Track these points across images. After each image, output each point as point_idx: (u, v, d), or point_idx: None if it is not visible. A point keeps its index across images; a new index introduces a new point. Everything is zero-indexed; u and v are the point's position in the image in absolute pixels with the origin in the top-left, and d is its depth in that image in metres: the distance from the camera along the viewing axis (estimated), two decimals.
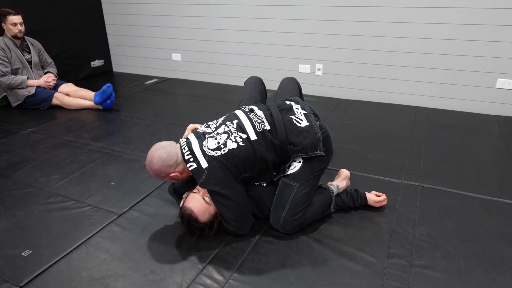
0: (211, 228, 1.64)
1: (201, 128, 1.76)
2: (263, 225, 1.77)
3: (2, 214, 1.89)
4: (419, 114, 3.17)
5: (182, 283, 1.45)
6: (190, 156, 1.60)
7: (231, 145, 1.61)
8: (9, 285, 1.45)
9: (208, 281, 1.46)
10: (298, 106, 1.80)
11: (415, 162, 2.35)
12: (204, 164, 1.57)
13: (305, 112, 1.76)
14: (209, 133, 1.69)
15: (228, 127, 1.69)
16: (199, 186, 1.61)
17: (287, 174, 1.70)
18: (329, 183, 1.90)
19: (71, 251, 1.63)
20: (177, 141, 1.73)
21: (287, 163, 1.74)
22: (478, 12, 2.96)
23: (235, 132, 1.66)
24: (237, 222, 1.65)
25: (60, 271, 1.52)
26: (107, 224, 1.80)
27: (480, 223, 1.78)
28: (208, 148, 1.61)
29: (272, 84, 3.24)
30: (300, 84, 2.28)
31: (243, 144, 1.62)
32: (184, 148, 1.64)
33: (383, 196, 1.89)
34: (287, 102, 1.83)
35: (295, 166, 1.70)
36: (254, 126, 1.67)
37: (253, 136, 1.64)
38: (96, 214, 1.88)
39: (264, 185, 1.77)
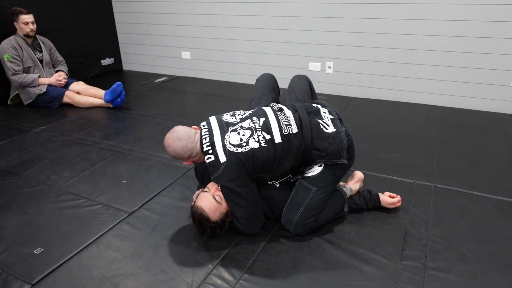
0: (222, 227, 1.63)
1: (226, 117, 1.71)
2: (274, 225, 1.75)
3: (15, 211, 1.91)
4: (431, 112, 3.11)
5: (192, 283, 1.44)
6: (209, 147, 1.57)
7: (253, 144, 1.57)
8: (21, 283, 1.45)
9: (219, 281, 1.45)
10: (326, 110, 1.75)
11: (428, 162, 2.31)
12: (222, 158, 1.54)
13: (332, 117, 1.71)
14: (233, 124, 1.65)
15: (253, 123, 1.64)
16: (213, 180, 1.59)
17: (306, 177, 1.68)
18: (341, 184, 1.87)
19: (82, 249, 1.63)
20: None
21: (307, 167, 1.71)
22: (493, 8, 2.89)
23: (259, 131, 1.61)
24: (249, 221, 1.63)
25: (71, 269, 1.53)
26: (118, 223, 1.80)
27: (496, 225, 1.74)
28: (229, 143, 1.57)
29: (282, 82, 3.20)
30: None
31: (265, 146, 1.58)
32: (205, 138, 1.60)
33: (397, 198, 1.86)
34: (314, 105, 1.77)
35: (315, 170, 1.67)
36: (280, 128, 1.62)
37: (277, 139, 1.60)
38: (107, 212, 1.89)
39: (277, 185, 1.75)
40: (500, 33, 2.93)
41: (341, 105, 3.32)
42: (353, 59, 3.52)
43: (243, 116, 1.69)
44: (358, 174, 1.93)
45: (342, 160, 1.64)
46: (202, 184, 1.88)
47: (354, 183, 1.89)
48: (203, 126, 1.67)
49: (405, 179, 2.13)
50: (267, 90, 2.09)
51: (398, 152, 2.44)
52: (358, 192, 1.88)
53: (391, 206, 1.85)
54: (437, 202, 1.92)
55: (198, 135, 1.64)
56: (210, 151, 1.57)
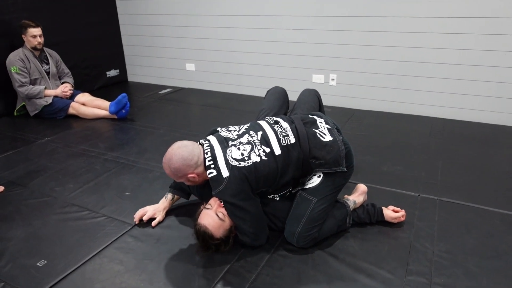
0: (227, 244, 1.62)
1: (223, 132, 1.73)
2: (277, 239, 1.74)
3: (19, 223, 1.91)
4: (435, 124, 3.11)
5: None
6: (211, 162, 1.57)
7: (255, 158, 1.58)
8: None
9: None
10: (322, 120, 1.77)
11: (432, 175, 2.30)
12: (225, 173, 1.53)
13: (328, 127, 1.73)
14: (231, 139, 1.65)
15: (252, 137, 1.65)
16: (215, 195, 1.57)
17: (306, 188, 1.68)
18: (345, 197, 1.87)
19: (85, 262, 1.63)
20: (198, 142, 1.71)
21: (307, 177, 1.71)
22: (497, 22, 2.91)
23: (259, 145, 1.62)
24: (254, 234, 1.63)
25: (74, 282, 1.52)
26: (121, 235, 1.80)
27: (503, 240, 1.72)
28: (232, 158, 1.56)
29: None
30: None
31: (266, 159, 1.58)
32: (207, 153, 1.59)
33: (402, 212, 1.84)
34: (310, 116, 1.80)
35: (315, 181, 1.67)
36: (279, 140, 1.64)
37: (277, 151, 1.61)
38: (110, 224, 1.89)
39: (277, 198, 1.75)
40: (504, 46, 2.94)
41: (344, 117, 3.32)
42: (356, 72, 3.54)
43: (240, 132, 1.70)
44: (362, 187, 1.93)
45: (341, 168, 1.65)
46: (201, 199, 1.86)
47: (357, 196, 1.88)
48: (204, 141, 1.67)
49: (409, 192, 2.12)
50: (278, 104, 2.10)
51: (402, 165, 2.43)
52: (362, 205, 1.87)
53: (395, 221, 1.83)
54: (442, 216, 1.90)
55: (200, 148, 1.64)
56: (212, 166, 1.56)
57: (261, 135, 1.66)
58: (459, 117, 3.25)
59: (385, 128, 3.06)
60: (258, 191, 1.62)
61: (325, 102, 3.65)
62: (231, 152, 1.59)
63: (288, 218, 1.69)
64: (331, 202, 1.69)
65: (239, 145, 1.62)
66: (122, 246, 1.73)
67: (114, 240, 1.77)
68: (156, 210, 1.89)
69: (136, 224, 1.86)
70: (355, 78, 3.56)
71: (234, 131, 1.72)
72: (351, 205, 1.81)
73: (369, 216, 1.82)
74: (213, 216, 1.58)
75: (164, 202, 1.92)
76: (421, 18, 3.13)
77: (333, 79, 3.66)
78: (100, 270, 1.58)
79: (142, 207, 2.01)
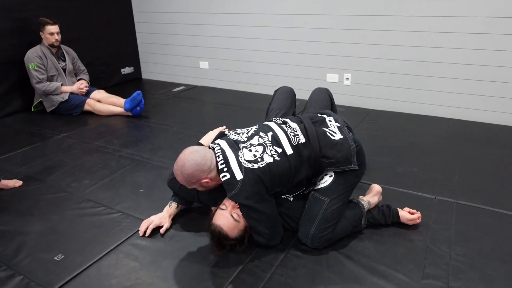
0: (242, 244, 1.62)
1: (232, 135, 1.71)
2: (291, 239, 1.74)
3: (37, 217, 1.95)
4: (452, 126, 3.06)
5: None
6: (224, 166, 1.54)
7: (268, 158, 1.56)
8: None
9: None
10: (331, 118, 1.76)
11: (449, 177, 2.26)
12: (238, 176, 1.52)
13: (338, 125, 1.73)
14: (242, 142, 1.64)
15: (262, 138, 1.64)
16: (230, 198, 1.57)
17: (318, 188, 1.67)
18: (360, 197, 1.85)
19: (101, 257, 1.65)
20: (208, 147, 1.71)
21: (318, 176, 1.71)
22: None
23: (270, 145, 1.61)
24: (269, 235, 1.62)
25: (91, 277, 1.55)
26: (136, 232, 1.81)
27: None
28: (244, 160, 1.55)
29: (299, 93, 3.20)
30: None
31: (279, 159, 1.57)
32: (219, 156, 1.57)
33: (417, 214, 1.82)
34: (319, 115, 1.79)
35: (326, 180, 1.66)
36: (289, 139, 1.63)
37: (289, 150, 1.60)
38: (126, 220, 1.91)
39: (291, 199, 1.74)
40: None
41: (358, 117, 3.29)
42: (371, 71, 3.50)
43: (249, 134, 1.68)
44: (376, 187, 1.91)
45: (352, 166, 1.64)
46: (213, 204, 1.79)
47: (372, 196, 1.86)
48: (214, 145, 1.65)
49: (425, 194, 2.09)
50: (287, 103, 2.10)
51: (418, 167, 2.40)
52: (377, 206, 1.85)
53: (411, 223, 1.81)
54: (459, 219, 1.87)
55: (211, 152, 1.61)
56: (225, 169, 1.54)
57: (271, 135, 1.65)
58: (477, 118, 3.19)
59: (400, 129, 3.02)
60: (273, 192, 1.62)
61: (339, 101, 3.65)
62: (243, 155, 1.57)
63: (301, 219, 1.68)
64: (344, 202, 1.68)
65: (250, 147, 1.61)
66: (137, 242, 1.75)
67: (129, 237, 1.78)
68: (161, 218, 1.84)
69: (141, 235, 1.79)
70: (370, 77, 3.53)
71: (243, 133, 1.70)
72: (366, 206, 1.79)
73: (385, 217, 1.80)
74: (228, 217, 1.57)
75: (169, 210, 1.87)
76: (438, 17, 3.08)
77: (347, 79, 3.63)
78: (116, 265, 1.60)
79: (157, 204, 2.03)
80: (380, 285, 1.47)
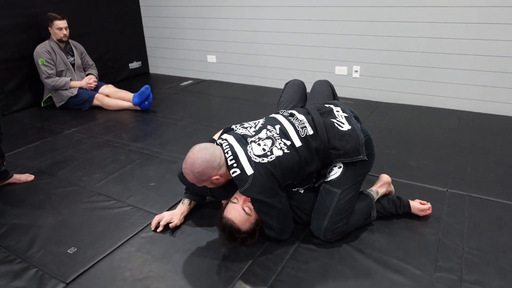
0: (253, 237, 1.62)
1: (239, 129, 1.69)
2: (302, 232, 1.73)
3: (49, 211, 1.97)
4: (463, 118, 3.02)
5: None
6: (233, 161, 1.53)
7: (277, 152, 1.55)
8: (57, 282, 1.49)
9: (248, 287, 1.44)
10: (339, 108, 1.75)
11: (461, 170, 2.23)
12: (249, 171, 1.50)
13: (346, 115, 1.71)
14: (250, 136, 1.62)
15: (270, 132, 1.63)
16: (241, 193, 1.56)
17: (328, 181, 1.66)
18: (369, 189, 1.84)
19: (113, 250, 1.66)
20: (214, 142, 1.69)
21: (328, 168, 1.70)
22: None
23: (278, 138, 1.60)
24: (280, 229, 1.62)
25: (104, 270, 1.56)
26: (147, 225, 1.82)
27: None
28: (254, 154, 1.53)
29: (307, 86, 3.19)
30: (336, 87, 2.22)
31: (288, 152, 1.56)
32: (227, 152, 1.55)
33: (428, 205, 1.81)
34: (327, 105, 1.78)
35: (336, 172, 1.65)
36: (297, 131, 1.62)
37: (297, 143, 1.59)
38: (136, 214, 1.92)
39: (302, 191, 1.73)
40: None
41: (368, 110, 3.26)
42: (380, 63, 3.46)
43: (257, 128, 1.66)
44: (385, 177, 1.90)
45: (361, 156, 1.62)
46: (224, 199, 1.81)
47: (380, 186, 1.86)
48: (222, 140, 1.62)
49: (437, 187, 2.06)
50: (297, 96, 2.08)
51: (429, 159, 2.37)
52: (387, 197, 1.84)
53: (421, 213, 1.80)
54: (472, 212, 1.85)
55: (220, 148, 1.58)
56: (235, 165, 1.52)
57: (279, 128, 1.64)
58: (489, 110, 3.14)
59: (411, 122, 2.99)
60: (284, 185, 1.61)
61: (348, 94, 3.62)
62: (252, 149, 1.55)
63: (314, 212, 1.68)
64: (355, 192, 1.67)
65: (258, 141, 1.59)
66: (148, 236, 1.76)
67: (140, 230, 1.79)
68: (173, 215, 1.82)
69: (153, 230, 1.79)
70: (379, 70, 3.48)
71: (250, 127, 1.68)
72: (375, 196, 1.79)
73: (395, 207, 1.79)
74: (239, 211, 1.57)
75: (181, 207, 1.86)
76: (448, 7, 3.03)
77: (356, 71, 3.59)
78: (128, 258, 1.61)
79: (167, 197, 2.04)
80: (392, 279, 1.46)
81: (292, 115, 1.73)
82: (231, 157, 1.54)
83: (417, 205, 1.80)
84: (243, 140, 1.60)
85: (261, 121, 1.72)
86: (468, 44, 3.06)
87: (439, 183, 2.09)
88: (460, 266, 1.51)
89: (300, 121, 1.67)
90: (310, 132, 1.63)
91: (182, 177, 1.84)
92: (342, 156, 1.63)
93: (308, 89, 2.21)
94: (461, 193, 2.00)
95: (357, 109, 3.18)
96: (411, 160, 2.36)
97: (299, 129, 1.63)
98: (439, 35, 3.14)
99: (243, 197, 1.59)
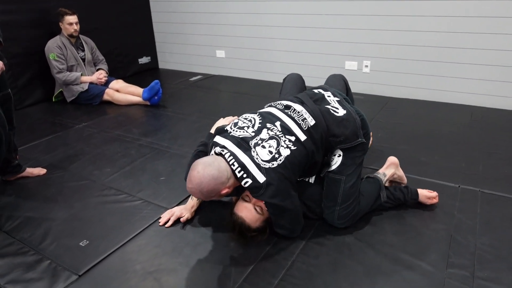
0: (263, 234, 1.61)
1: (235, 131, 1.58)
2: (312, 227, 1.73)
3: (61, 204, 1.99)
4: (475, 114, 2.97)
5: (231, 282, 1.45)
6: (242, 172, 1.45)
7: (285, 151, 1.51)
8: (69, 274, 1.52)
9: (258, 281, 1.44)
10: (329, 93, 1.75)
11: (473, 166, 2.21)
12: (261, 178, 1.44)
13: (338, 99, 1.73)
14: (250, 138, 1.54)
15: (271, 130, 1.56)
16: (254, 197, 1.51)
17: (332, 170, 1.67)
18: (375, 173, 1.87)
19: (124, 243, 1.68)
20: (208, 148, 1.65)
21: (328, 156, 1.71)
22: None
23: (282, 136, 1.55)
24: (291, 229, 1.62)
25: (115, 262, 1.58)
26: (158, 219, 1.84)
27: None
28: (262, 160, 1.47)
29: (317, 81, 3.17)
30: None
31: (295, 148, 1.54)
32: (233, 164, 1.46)
33: (435, 193, 1.83)
34: (316, 91, 1.78)
35: (337, 161, 1.67)
36: (299, 125, 1.60)
37: (302, 137, 1.57)
38: (147, 208, 1.93)
39: (311, 181, 1.74)
40: None
41: (378, 105, 3.23)
42: (391, 58, 3.42)
43: (256, 128, 1.58)
44: (392, 159, 1.93)
45: (360, 139, 1.65)
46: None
47: (387, 168, 1.90)
48: (222, 150, 1.51)
49: (449, 183, 2.04)
50: (296, 91, 2.08)
51: (441, 155, 2.34)
52: (395, 185, 1.87)
53: (429, 202, 1.82)
54: (484, 208, 1.83)
55: (223, 160, 1.49)
56: (245, 175, 1.45)
57: (280, 125, 1.59)
58: (502, 106, 3.09)
59: (422, 117, 2.95)
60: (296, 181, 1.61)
61: (358, 89, 3.59)
62: (257, 154, 1.48)
63: (324, 203, 1.69)
64: (359, 175, 1.70)
65: (262, 142, 1.52)
66: (159, 229, 1.77)
67: (151, 224, 1.81)
68: (183, 209, 1.82)
69: (162, 225, 1.79)
70: (389, 64, 3.45)
71: (247, 127, 1.59)
72: (383, 178, 1.82)
73: (403, 194, 1.81)
74: (251, 210, 1.55)
75: (191, 201, 1.85)
76: (459, 0, 2.97)
77: (366, 66, 3.56)
78: (140, 251, 1.63)
79: (177, 192, 2.05)
80: (403, 274, 1.45)
81: (288, 107, 1.68)
82: (239, 168, 1.46)
83: (425, 193, 1.83)
84: (244, 145, 1.52)
85: (257, 118, 1.64)
86: (480, 38, 3.01)
87: (451, 179, 2.07)
88: (472, 262, 1.50)
89: (299, 112, 1.65)
90: (312, 123, 1.62)
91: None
92: (343, 143, 1.64)
93: (317, 83, 2.20)
94: (473, 189, 1.98)
95: (368, 104, 3.19)
96: (422, 156, 2.34)
97: (300, 122, 1.61)
98: (451, 29, 3.09)
99: None
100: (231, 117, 1.96)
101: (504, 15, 2.87)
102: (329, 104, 1.69)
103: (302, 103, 1.69)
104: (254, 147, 1.51)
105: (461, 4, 2.99)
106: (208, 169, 1.42)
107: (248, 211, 1.55)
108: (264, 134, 1.56)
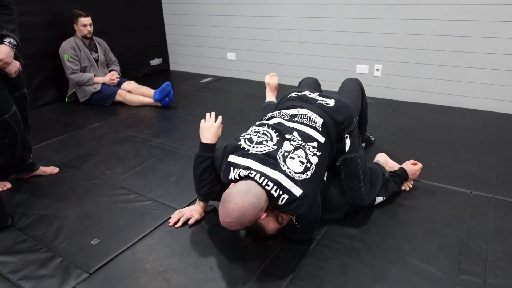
0: (276, 239, 1.60)
1: (253, 147, 1.48)
2: (321, 230, 1.73)
3: (73, 203, 2.02)
4: (488, 119, 2.94)
5: (240, 283, 1.45)
6: (279, 190, 1.37)
7: (314, 159, 1.49)
8: (81, 271, 1.54)
9: (267, 283, 1.45)
10: (307, 91, 1.85)
11: (485, 172, 2.18)
12: (297, 192, 1.38)
13: (317, 93, 1.83)
14: (274, 151, 1.46)
15: (293, 141, 1.52)
16: (286, 212, 1.44)
17: (347, 152, 1.71)
18: None
19: (135, 242, 1.70)
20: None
21: (340, 145, 1.74)
22: None
23: (305, 145, 1.52)
24: (309, 235, 1.63)
25: (126, 261, 1.59)
26: (168, 219, 1.85)
27: None
28: (294, 173, 1.41)
29: (328, 84, 3.17)
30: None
31: (320, 154, 1.53)
32: (268, 185, 1.37)
33: (419, 164, 2.01)
34: (300, 94, 1.84)
35: (347, 143, 1.72)
36: (314, 128, 1.62)
37: (321, 139, 1.59)
38: (157, 208, 1.95)
39: (325, 178, 1.72)
40: None
41: (389, 109, 3.21)
42: (403, 62, 3.40)
43: (275, 141, 1.51)
44: (378, 155, 2.13)
45: (356, 117, 1.77)
46: None
47: (377, 158, 2.08)
48: (249, 172, 1.40)
49: (461, 189, 2.02)
50: None
51: (452, 160, 2.32)
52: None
53: (417, 173, 2.00)
54: (497, 214, 1.80)
55: (255, 183, 1.38)
56: (281, 192, 1.37)
57: (298, 134, 1.56)
58: None
59: (433, 122, 2.93)
60: None
61: (369, 93, 3.55)
62: (288, 168, 1.41)
63: (346, 185, 1.71)
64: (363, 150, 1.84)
65: (288, 155, 1.46)
66: (169, 229, 1.79)
67: (161, 224, 1.82)
68: (193, 210, 1.81)
69: (171, 226, 1.79)
70: (401, 68, 3.43)
71: (267, 141, 1.51)
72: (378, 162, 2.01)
73: (400, 173, 1.96)
74: (272, 220, 1.49)
75: (201, 202, 1.83)
76: (471, 5, 2.94)
77: (378, 70, 3.54)
78: (150, 251, 1.64)
79: (187, 192, 2.06)
80: (414, 280, 1.44)
81: (294, 116, 1.66)
82: (275, 187, 1.37)
83: (410, 166, 2.00)
84: (270, 160, 1.43)
85: (271, 131, 1.57)
86: (493, 43, 2.97)
87: (463, 185, 2.05)
88: (484, 269, 1.48)
89: (305, 115, 1.66)
90: (320, 121, 1.65)
91: (208, 196, 1.78)
92: (348, 127, 1.71)
93: (328, 87, 2.20)
94: (485, 195, 1.96)
95: (379, 108, 3.17)
96: (433, 161, 2.32)
97: (314, 124, 1.63)
98: (463, 33, 3.06)
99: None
100: (213, 121, 1.82)
101: None
102: (316, 100, 1.76)
103: (301, 106, 1.73)
104: (284, 161, 1.43)
105: (474, 8, 2.96)
106: (247, 198, 1.31)
107: (269, 220, 1.48)
108: (287, 146, 1.49)
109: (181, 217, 1.81)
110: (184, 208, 1.87)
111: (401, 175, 1.97)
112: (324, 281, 1.45)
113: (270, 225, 1.50)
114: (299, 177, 1.41)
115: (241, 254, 1.61)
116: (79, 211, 1.95)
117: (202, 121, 1.81)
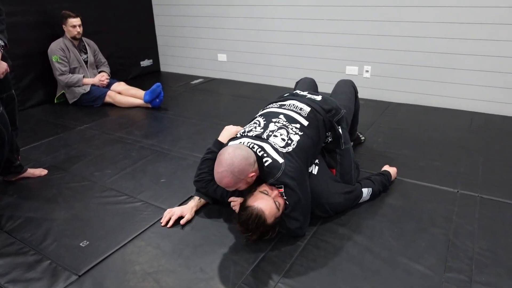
0: (273, 232, 1.61)
1: (247, 134, 1.71)
2: (311, 230, 1.74)
3: (62, 205, 2.00)
4: (475, 119, 2.99)
5: (230, 283, 1.45)
6: (263, 152, 1.57)
7: (295, 137, 1.65)
8: (69, 274, 1.52)
9: (257, 283, 1.45)
10: (300, 91, 1.99)
11: (472, 171, 2.21)
12: (280, 159, 1.55)
13: (306, 92, 1.96)
14: (262, 133, 1.68)
15: (278, 122, 1.72)
16: (273, 183, 1.55)
17: (344, 141, 1.86)
18: None
19: (124, 244, 1.69)
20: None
21: (331, 133, 1.86)
22: None
23: (289, 125, 1.70)
24: (302, 222, 1.63)
25: (115, 263, 1.59)
26: (158, 220, 1.85)
27: None
28: (279, 146, 1.60)
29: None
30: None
31: (302, 133, 1.68)
32: (253, 147, 1.59)
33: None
34: (292, 92, 2.00)
35: (340, 130, 1.85)
36: (298, 113, 1.75)
37: (304, 122, 1.72)
38: (147, 209, 1.94)
39: (315, 172, 1.77)
40: None
41: (379, 110, 3.25)
42: (392, 63, 3.44)
43: (262, 125, 1.73)
44: None
45: (343, 110, 1.88)
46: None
47: None
48: (240, 142, 1.65)
49: (448, 188, 2.05)
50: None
51: (440, 160, 2.35)
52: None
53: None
54: (483, 213, 1.83)
55: (244, 145, 1.62)
56: (265, 155, 1.57)
57: (284, 115, 1.75)
58: (502, 112, 3.10)
59: (422, 122, 2.97)
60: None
61: (359, 94, 3.57)
62: (274, 142, 1.62)
63: (341, 174, 1.85)
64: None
65: (273, 133, 1.66)
66: (158, 230, 1.78)
67: (151, 225, 1.82)
68: (183, 209, 1.84)
69: (163, 226, 1.80)
70: (390, 70, 3.47)
71: (255, 127, 1.73)
72: None
73: (382, 176, 2.02)
74: (270, 203, 1.53)
75: (192, 203, 1.88)
76: (459, 7, 3.00)
77: (367, 71, 3.58)
78: (139, 253, 1.64)
79: (177, 194, 2.06)
80: (402, 278, 1.46)
81: (282, 105, 1.85)
82: (259, 149, 1.59)
83: (393, 168, 2.13)
84: (259, 139, 1.65)
85: (260, 119, 1.79)
86: (481, 45, 3.03)
87: (450, 184, 2.08)
88: (470, 266, 1.50)
89: (294, 105, 1.82)
90: (308, 109, 1.78)
91: (198, 185, 1.88)
92: (336, 115, 1.83)
93: (324, 89, 2.23)
94: (472, 194, 1.99)
95: (368, 109, 3.21)
96: (421, 161, 2.35)
97: (299, 111, 1.76)
98: (451, 35, 3.11)
99: (275, 191, 1.57)
100: (239, 126, 1.96)
101: (505, 22, 2.89)
102: (305, 96, 1.90)
103: (291, 99, 1.88)
104: (268, 138, 1.65)
105: (462, 11, 3.01)
106: (238, 151, 1.53)
107: (268, 203, 1.52)
108: (272, 126, 1.70)
109: (172, 216, 1.81)
110: (175, 208, 1.87)
111: (388, 175, 2.05)
112: (314, 280, 1.46)
113: (268, 208, 1.51)
114: (281, 149, 1.60)
115: (231, 254, 1.61)
116: (68, 213, 1.93)
117: (229, 126, 2.00)
